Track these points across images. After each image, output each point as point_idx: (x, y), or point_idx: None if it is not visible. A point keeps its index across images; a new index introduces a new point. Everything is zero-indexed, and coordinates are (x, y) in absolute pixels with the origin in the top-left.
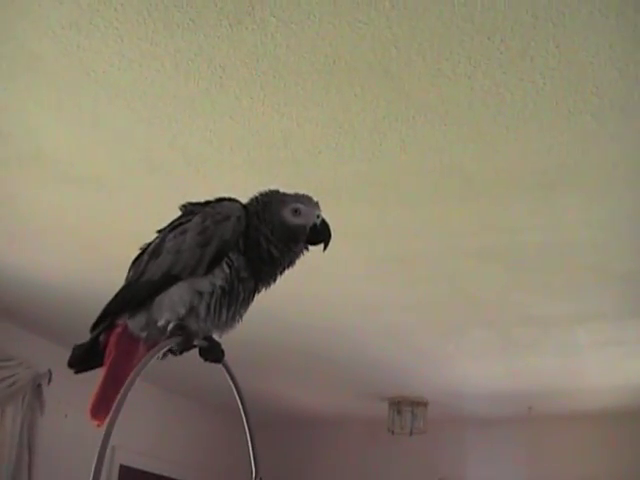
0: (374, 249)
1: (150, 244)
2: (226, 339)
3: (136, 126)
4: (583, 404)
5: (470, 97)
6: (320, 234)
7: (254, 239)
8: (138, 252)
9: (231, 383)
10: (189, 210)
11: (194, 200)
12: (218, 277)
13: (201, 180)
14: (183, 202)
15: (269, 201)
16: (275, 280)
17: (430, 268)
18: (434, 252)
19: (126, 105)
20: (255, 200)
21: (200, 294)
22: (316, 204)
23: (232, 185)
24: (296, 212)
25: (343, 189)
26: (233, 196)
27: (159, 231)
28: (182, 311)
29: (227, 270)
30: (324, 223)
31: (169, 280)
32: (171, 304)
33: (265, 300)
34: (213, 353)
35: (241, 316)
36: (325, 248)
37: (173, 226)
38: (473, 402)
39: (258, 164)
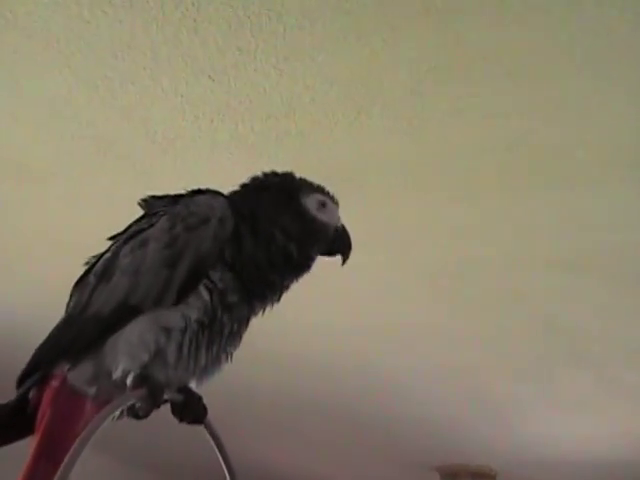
0: (412, 258)
1: (98, 259)
2: (207, 388)
3: (76, 91)
4: None
5: (545, 44)
6: (340, 242)
7: (263, 234)
8: (82, 272)
9: (217, 451)
10: (152, 208)
11: (160, 193)
12: (193, 307)
13: (170, 164)
14: (144, 196)
15: (283, 186)
16: (280, 295)
17: (493, 284)
18: (498, 261)
19: (61, 61)
20: (256, 186)
21: (168, 332)
22: (337, 204)
23: (213, 171)
24: (323, 206)
25: (368, 174)
26: (214, 187)
27: (112, 238)
28: (144, 357)
29: (207, 297)
30: (345, 230)
31: (125, 313)
32: (129, 347)
33: (261, 332)
34: (191, 410)
35: (230, 355)
36: (344, 261)
37: (129, 234)
38: (561, 474)
39: (250, 141)
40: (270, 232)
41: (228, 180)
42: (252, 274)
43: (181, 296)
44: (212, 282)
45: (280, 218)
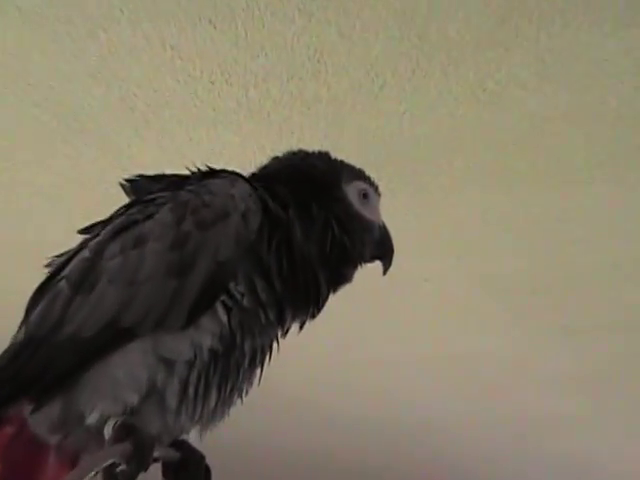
0: (482, 268)
1: (69, 260)
2: (217, 441)
3: (28, 41)
4: None
5: None
6: (381, 245)
7: (317, 222)
8: (45, 276)
9: None
10: (143, 193)
11: (149, 173)
12: (206, 332)
13: (154, 139)
14: (128, 175)
15: (323, 170)
16: (321, 305)
17: (599, 305)
18: (609, 273)
19: (7, 2)
20: (286, 167)
21: (170, 365)
22: (380, 194)
23: (214, 150)
24: (365, 197)
25: (424, 156)
26: (219, 166)
27: (85, 231)
28: (132, 399)
29: (224, 317)
30: (386, 229)
31: (115, 337)
32: (112, 385)
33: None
34: (190, 474)
35: (244, 392)
36: (387, 269)
37: (117, 227)
38: None
39: (265, 110)
40: (326, 218)
41: (234, 162)
42: (296, 272)
43: (193, 317)
44: (232, 298)
45: (331, 206)
